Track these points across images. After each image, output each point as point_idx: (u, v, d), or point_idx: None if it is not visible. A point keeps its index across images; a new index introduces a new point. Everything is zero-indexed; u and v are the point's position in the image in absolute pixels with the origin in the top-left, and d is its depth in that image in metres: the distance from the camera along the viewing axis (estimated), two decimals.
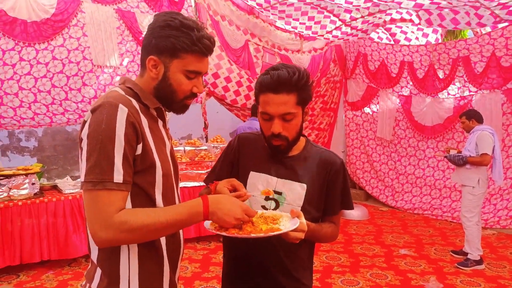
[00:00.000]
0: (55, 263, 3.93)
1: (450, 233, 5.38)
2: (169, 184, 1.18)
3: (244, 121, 6.39)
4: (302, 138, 1.51)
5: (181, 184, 4.74)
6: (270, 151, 1.43)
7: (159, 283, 1.16)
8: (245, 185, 1.44)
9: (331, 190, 1.45)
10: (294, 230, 1.19)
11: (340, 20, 5.47)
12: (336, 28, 5.70)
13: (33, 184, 3.89)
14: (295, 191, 1.41)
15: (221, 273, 1.59)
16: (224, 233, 1.14)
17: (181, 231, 1.26)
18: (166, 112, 1.28)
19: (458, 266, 4.09)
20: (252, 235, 1.13)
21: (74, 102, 4.53)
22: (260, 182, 1.44)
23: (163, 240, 1.16)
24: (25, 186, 3.82)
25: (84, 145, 1.03)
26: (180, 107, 1.21)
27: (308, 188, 1.41)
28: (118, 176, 1.00)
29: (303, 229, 1.21)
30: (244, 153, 1.51)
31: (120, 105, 1.04)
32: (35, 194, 3.89)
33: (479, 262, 4.09)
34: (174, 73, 1.14)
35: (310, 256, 1.54)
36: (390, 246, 4.79)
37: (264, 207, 1.42)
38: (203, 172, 5.00)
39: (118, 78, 4.80)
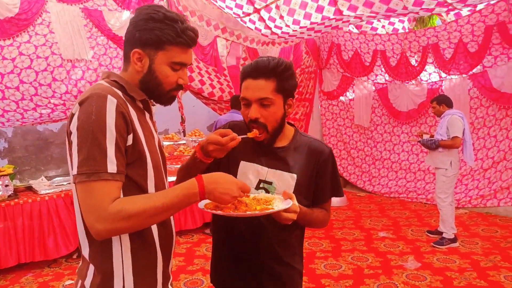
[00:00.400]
0: (34, 265, 3.84)
1: (425, 214, 5.58)
2: (159, 176, 1.18)
3: (221, 115, 6.38)
4: (290, 127, 1.53)
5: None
6: (255, 142, 1.43)
7: (153, 276, 1.16)
8: (235, 175, 1.45)
9: (320, 178, 1.48)
10: (287, 211, 1.21)
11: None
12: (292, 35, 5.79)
13: (6, 186, 3.77)
14: (285, 181, 1.43)
15: (209, 266, 1.60)
16: (219, 212, 1.16)
17: (172, 223, 1.26)
18: (152, 106, 1.28)
19: (434, 245, 4.25)
20: (248, 212, 1.15)
21: (44, 97, 4.37)
22: (251, 172, 1.45)
23: (155, 234, 1.16)
24: None
25: (74, 137, 1.02)
26: (167, 99, 1.21)
27: (298, 178, 1.43)
28: (112, 166, 1.00)
29: (295, 210, 1.24)
30: None
31: (109, 96, 1.04)
32: (9, 196, 3.77)
33: (453, 240, 4.27)
34: (160, 65, 1.14)
35: (301, 242, 1.57)
36: (369, 230, 4.93)
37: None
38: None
39: (90, 72, 4.67)
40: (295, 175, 1.43)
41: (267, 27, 5.32)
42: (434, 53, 6.15)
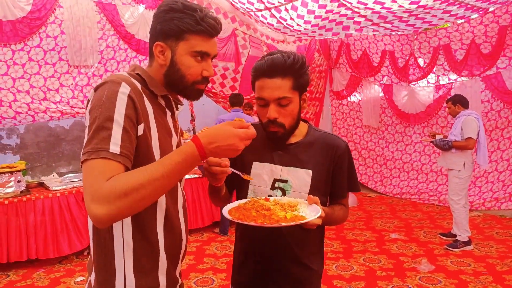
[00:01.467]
0: (45, 261, 3.84)
1: (437, 216, 5.50)
2: None
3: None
4: (304, 123, 1.49)
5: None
6: (268, 138, 1.41)
7: (155, 278, 1.12)
8: None
9: (338, 174, 1.44)
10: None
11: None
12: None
13: (19, 181, 3.78)
14: (301, 178, 1.39)
15: (232, 264, 1.57)
16: (252, 223, 1.10)
17: (182, 226, 1.21)
18: (180, 106, 1.25)
19: (447, 247, 4.18)
20: (283, 224, 1.10)
21: (52, 102, 4.45)
22: (264, 172, 1.42)
23: (160, 235, 1.12)
24: (10, 184, 3.72)
25: (87, 121, 1.00)
26: (193, 92, 1.17)
27: (314, 174, 1.39)
28: (115, 147, 0.94)
29: (321, 215, 1.20)
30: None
31: (123, 83, 1.01)
32: (21, 192, 3.78)
33: (467, 243, 4.20)
34: (181, 56, 1.11)
35: (321, 241, 1.54)
36: (381, 231, 4.87)
37: (270, 196, 1.39)
38: None
39: (95, 78, 4.69)
40: (310, 171, 1.39)
41: (279, 22, 5.27)
42: (446, 54, 6.06)
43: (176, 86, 1.15)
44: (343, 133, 7.68)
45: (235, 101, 4.80)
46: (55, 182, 4.12)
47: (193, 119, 5.84)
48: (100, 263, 1.08)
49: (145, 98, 1.08)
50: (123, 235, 1.07)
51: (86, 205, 0.90)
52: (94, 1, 4.61)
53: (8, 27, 4.05)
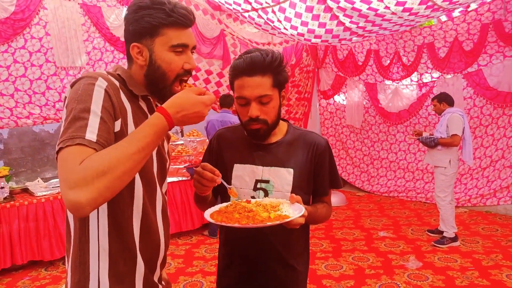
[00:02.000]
0: (30, 268, 3.78)
1: (425, 213, 5.56)
2: (148, 179, 1.11)
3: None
4: (283, 122, 1.49)
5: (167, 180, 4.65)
6: (250, 137, 1.40)
7: (131, 284, 1.09)
8: (230, 179, 1.42)
9: (319, 171, 1.45)
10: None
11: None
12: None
13: (2, 188, 3.71)
14: (283, 177, 1.39)
15: (217, 268, 1.57)
16: (236, 225, 1.09)
17: (161, 231, 1.18)
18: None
19: (434, 244, 4.23)
20: (268, 223, 1.09)
21: (38, 105, 4.37)
22: (246, 173, 1.41)
23: (137, 239, 1.09)
24: None
25: (63, 115, 0.96)
26: (171, 95, 1.12)
27: (296, 173, 1.39)
28: (91, 134, 0.89)
29: (304, 214, 1.19)
30: (226, 148, 1.48)
31: (100, 78, 0.99)
32: (5, 198, 3.71)
33: (454, 239, 4.25)
34: (160, 53, 1.08)
35: (306, 240, 1.54)
36: (369, 230, 4.90)
37: (253, 198, 1.38)
38: (181, 167, 4.93)
39: None
40: (291, 170, 1.39)
41: (266, 23, 5.27)
42: (429, 52, 6.13)
43: (157, 86, 1.12)
44: (331, 133, 7.72)
45: (225, 102, 4.79)
46: (39, 188, 4.05)
47: None
48: (75, 264, 1.05)
49: (122, 96, 1.05)
50: (98, 238, 1.03)
51: (63, 195, 0.83)
52: (78, 3, 4.55)
53: None
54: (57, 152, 0.88)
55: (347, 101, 7.31)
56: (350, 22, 4.72)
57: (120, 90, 1.06)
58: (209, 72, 5.78)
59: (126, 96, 1.07)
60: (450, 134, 4.19)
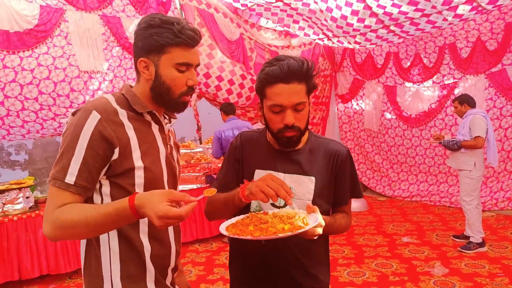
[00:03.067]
0: (55, 277, 3.84)
1: (449, 218, 5.41)
2: (158, 188, 1.16)
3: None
4: None
5: (179, 188, 4.68)
6: (281, 145, 1.38)
7: (143, 284, 1.16)
8: None
9: (340, 180, 1.42)
10: (314, 226, 1.15)
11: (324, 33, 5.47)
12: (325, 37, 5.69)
13: (27, 197, 3.80)
14: (304, 185, 1.37)
15: (229, 275, 1.55)
16: (248, 237, 1.09)
17: (172, 236, 1.23)
18: (173, 119, 1.29)
19: (461, 250, 4.10)
20: (280, 235, 1.08)
21: (63, 107, 4.46)
22: None
23: (146, 244, 1.16)
24: (19, 200, 3.73)
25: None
26: (179, 105, 1.20)
27: (317, 181, 1.38)
28: (70, 177, 1.04)
29: (321, 224, 1.17)
30: (248, 151, 1.47)
31: (94, 111, 1.07)
32: (30, 207, 3.80)
33: (481, 244, 4.11)
34: (165, 69, 1.15)
35: (326, 251, 1.51)
36: (392, 235, 4.80)
37: (273, 205, 1.37)
38: (200, 174, 4.95)
39: (106, 83, 4.72)
40: (313, 178, 1.37)
41: (298, 14, 5.20)
42: (451, 53, 6.00)
43: (163, 99, 1.19)
44: (350, 137, 7.63)
45: (229, 109, 4.81)
46: None
47: (199, 129, 5.85)
48: (89, 270, 1.14)
49: (123, 118, 1.12)
50: (109, 242, 1.12)
51: (45, 220, 1.05)
52: (99, 15, 4.67)
53: (15, 37, 4.11)
54: (47, 181, 1.10)
55: (365, 104, 7.22)
56: (390, 19, 4.65)
57: (119, 114, 1.13)
58: (220, 79, 5.79)
59: (129, 116, 1.14)
60: (473, 136, 4.07)
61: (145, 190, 1.13)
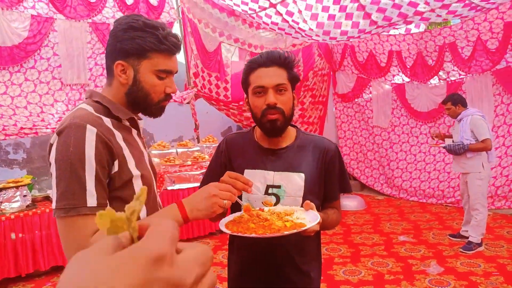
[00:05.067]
0: (52, 274, 3.86)
1: (446, 217, 5.42)
2: (151, 194, 1.16)
3: (235, 121, 6.37)
4: (292, 128, 1.49)
5: (176, 186, 4.70)
6: (266, 133, 1.39)
7: None
8: None
9: (329, 176, 1.44)
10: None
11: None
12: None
13: (24, 196, 3.82)
14: (294, 182, 1.38)
15: (227, 274, 1.56)
16: (253, 235, 1.09)
17: None
18: (139, 121, 1.24)
19: (462, 250, 4.05)
20: (285, 232, 1.09)
21: (50, 113, 4.73)
22: (257, 179, 1.40)
23: None
24: (16, 198, 3.75)
25: (53, 169, 0.98)
26: (156, 110, 1.17)
27: (307, 177, 1.39)
28: (92, 200, 0.96)
29: (320, 222, 1.18)
30: (235, 154, 1.48)
31: (88, 125, 1.00)
32: (27, 206, 3.81)
33: (480, 244, 4.10)
34: (145, 75, 1.10)
35: (318, 247, 1.52)
36: (389, 234, 4.81)
37: (263, 204, 1.38)
38: (197, 173, 4.96)
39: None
40: (303, 174, 1.39)
41: (284, 20, 5.25)
42: (452, 52, 6.01)
43: (139, 105, 1.14)
44: (348, 136, 7.64)
45: None
46: None
47: (196, 128, 5.86)
48: None
49: (113, 130, 1.07)
50: None
51: (69, 257, 0.93)
52: (88, 22, 4.77)
53: (6, 52, 4.35)
54: (57, 216, 0.95)
55: (373, 102, 7.21)
56: (377, 11, 4.68)
57: (111, 127, 1.07)
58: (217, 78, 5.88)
59: (114, 125, 1.09)
60: (479, 139, 3.98)
61: (146, 200, 1.10)
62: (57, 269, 3.91)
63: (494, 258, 3.87)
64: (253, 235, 1.09)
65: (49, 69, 4.72)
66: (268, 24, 5.68)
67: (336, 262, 3.99)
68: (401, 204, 6.31)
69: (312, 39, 5.95)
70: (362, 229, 5.07)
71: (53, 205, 0.97)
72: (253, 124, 1.52)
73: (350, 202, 6.15)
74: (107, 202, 1.01)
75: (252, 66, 1.37)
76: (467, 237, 4.19)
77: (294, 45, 6.71)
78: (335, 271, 3.77)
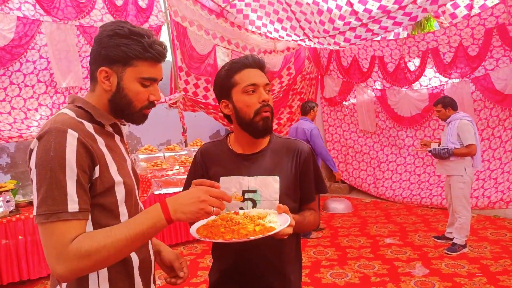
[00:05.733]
0: (35, 281, 3.79)
1: (432, 219, 5.50)
2: (133, 200, 1.15)
3: (224, 124, 6.37)
4: None
5: (164, 191, 4.67)
6: (258, 132, 1.39)
7: None
8: None
9: (305, 177, 1.45)
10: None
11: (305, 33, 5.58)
12: (305, 39, 5.79)
13: (7, 201, 3.75)
14: (269, 186, 1.39)
15: (208, 279, 1.56)
16: (220, 240, 1.09)
17: (150, 249, 1.21)
18: (123, 127, 1.24)
19: (447, 252, 4.11)
20: (251, 237, 1.08)
21: (34, 120, 4.65)
22: (232, 185, 1.41)
23: (135, 262, 1.12)
24: None
25: (33, 175, 0.96)
26: (139, 117, 1.16)
27: (282, 180, 1.40)
28: (73, 205, 0.94)
29: (291, 224, 1.18)
30: (211, 163, 1.49)
31: (69, 130, 0.98)
32: (10, 212, 3.75)
33: (464, 246, 4.17)
34: (129, 82, 1.09)
35: (298, 248, 1.53)
36: (375, 236, 4.86)
37: (241, 209, 1.38)
38: (184, 177, 4.93)
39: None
40: (277, 177, 1.40)
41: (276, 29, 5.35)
42: (434, 58, 6.12)
43: (122, 112, 1.13)
44: (336, 139, 7.71)
45: (304, 110, 5.07)
46: None
47: (184, 131, 5.84)
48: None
49: (95, 135, 1.06)
50: None
51: (50, 265, 0.92)
52: (75, 25, 4.71)
53: None
54: (38, 222, 0.94)
55: (358, 106, 7.29)
56: (369, 17, 4.82)
57: (91, 130, 1.06)
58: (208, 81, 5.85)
59: (96, 130, 1.08)
60: (464, 144, 4.02)
61: (127, 207, 1.10)
62: (39, 278, 3.85)
63: (477, 259, 3.94)
64: (220, 240, 1.09)
65: (34, 72, 4.64)
66: (254, 33, 5.73)
67: (323, 265, 4.01)
68: (387, 206, 6.38)
69: (305, 43, 6.00)
70: (349, 232, 5.11)
71: (34, 212, 0.95)
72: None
73: (337, 205, 6.20)
74: (89, 205, 0.99)
75: (237, 66, 1.39)
76: (452, 239, 4.26)
77: (288, 49, 6.76)
78: (322, 274, 3.79)
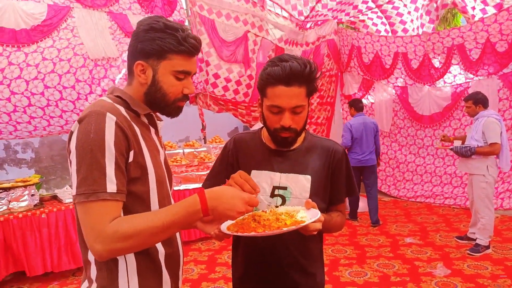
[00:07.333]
0: (59, 274, 3.89)
1: (454, 219, 5.38)
2: (164, 192, 1.17)
3: (243, 121, 6.37)
4: None
5: (182, 187, 4.72)
6: (276, 144, 1.40)
7: None
8: None
9: (336, 179, 1.44)
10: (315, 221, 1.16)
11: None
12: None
13: (32, 195, 3.86)
14: (300, 184, 1.38)
15: (232, 275, 1.56)
16: (252, 234, 1.09)
17: (179, 242, 1.24)
18: (159, 122, 1.26)
19: (470, 253, 4.02)
20: (284, 229, 1.09)
21: (70, 100, 4.40)
22: (263, 180, 1.41)
23: (161, 255, 1.14)
24: (24, 198, 3.79)
25: (73, 157, 1.00)
26: (174, 110, 1.18)
27: (313, 179, 1.39)
28: (112, 185, 0.97)
29: (320, 219, 1.17)
30: (243, 153, 1.49)
31: (108, 113, 1.02)
32: (35, 205, 3.85)
33: (488, 246, 4.06)
34: (163, 75, 1.12)
35: (321, 249, 1.52)
36: (395, 236, 4.78)
37: (270, 205, 1.38)
38: (203, 173, 4.98)
39: (113, 69, 4.62)
40: (309, 177, 1.39)
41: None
42: (460, 54, 5.94)
43: (157, 105, 1.16)
44: None
45: (360, 106, 5.42)
46: (68, 195, 4.18)
47: (203, 128, 5.87)
48: (102, 286, 1.07)
49: (131, 121, 1.09)
50: (125, 257, 1.08)
51: (89, 244, 0.96)
52: (105, 11, 4.67)
53: (21, 34, 4.08)
54: (77, 202, 0.97)
55: (376, 104, 7.18)
56: None
57: (128, 117, 1.09)
58: (228, 80, 5.80)
59: (133, 119, 1.11)
60: (488, 142, 3.90)
61: (158, 197, 1.12)
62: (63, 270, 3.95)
63: (502, 260, 3.84)
64: (253, 233, 1.09)
65: (69, 46, 4.34)
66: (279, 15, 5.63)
67: (341, 263, 3.98)
68: (407, 205, 6.27)
69: (321, 18, 5.93)
70: (368, 231, 5.05)
71: (73, 192, 0.98)
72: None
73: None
74: (126, 189, 1.02)
75: (271, 80, 1.28)
76: (474, 239, 4.16)
77: (307, 44, 6.69)
78: (340, 272, 3.76)
